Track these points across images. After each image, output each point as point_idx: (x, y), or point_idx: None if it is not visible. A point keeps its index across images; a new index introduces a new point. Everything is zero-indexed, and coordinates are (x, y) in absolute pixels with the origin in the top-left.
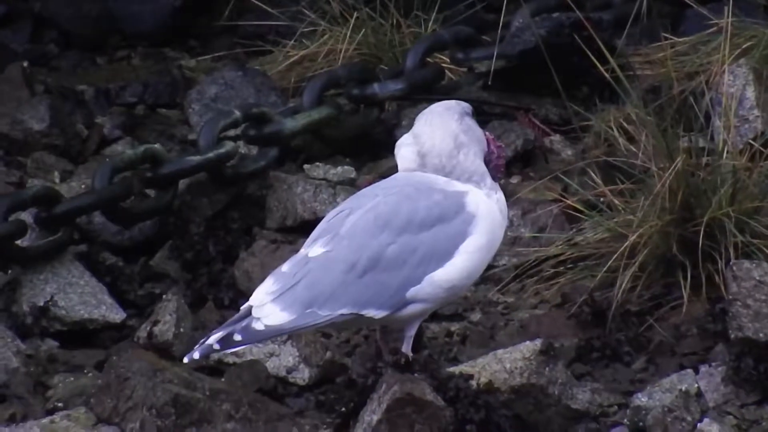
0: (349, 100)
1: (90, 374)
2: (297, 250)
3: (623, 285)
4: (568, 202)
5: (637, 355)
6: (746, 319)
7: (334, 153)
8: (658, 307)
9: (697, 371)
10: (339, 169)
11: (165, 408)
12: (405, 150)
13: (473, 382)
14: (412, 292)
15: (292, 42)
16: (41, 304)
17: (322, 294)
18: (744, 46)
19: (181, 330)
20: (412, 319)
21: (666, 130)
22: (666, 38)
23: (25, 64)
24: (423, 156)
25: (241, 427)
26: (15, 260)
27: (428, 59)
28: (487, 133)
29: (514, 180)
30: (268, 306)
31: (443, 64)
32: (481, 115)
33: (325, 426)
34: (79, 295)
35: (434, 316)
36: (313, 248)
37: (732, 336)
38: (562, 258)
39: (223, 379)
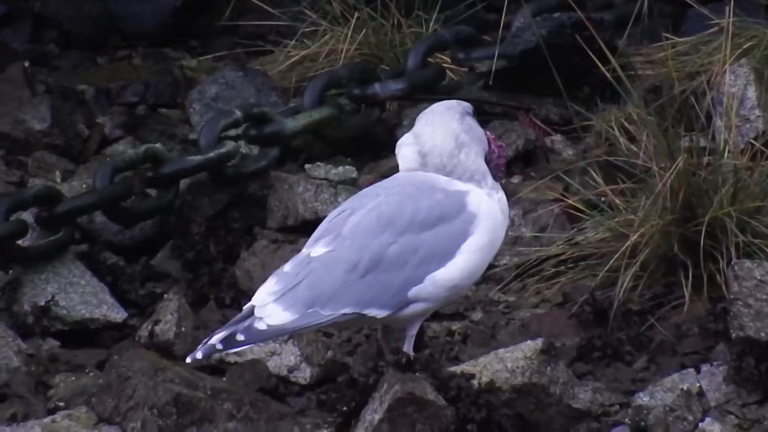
0: (350, 100)
1: (91, 374)
2: (298, 250)
3: (624, 284)
4: (569, 201)
5: (638, 355)
6: (747, 318)
7: (335, 153)
8: (659, 306)
9: (698, 371)
10: (340, 168)
11: (166, 407)
12: (406, 150)
13: (474, 382)
14: (413, 292)
15: (293, 42)
16: (42, 303)
17: (324, 294)
18: (745, 46)
19: (183, 329)
20: (414, 319)
21: (667, 129)
22: (667, 38)
23: (26, 64)
24: (424, 155)
25: (243, 427)
26: (16, 260)
27: (429, 59)
28: (488, 132)
29: (515, 180)
30: (270, 306)
31: (444, 64)
32: (482, 115)
33: (326, 425)
34: (80, 294)
35: (435, 316)
36: (316, 248)
37: (733, 335)
38: (563, 257)
39: (224, 379)
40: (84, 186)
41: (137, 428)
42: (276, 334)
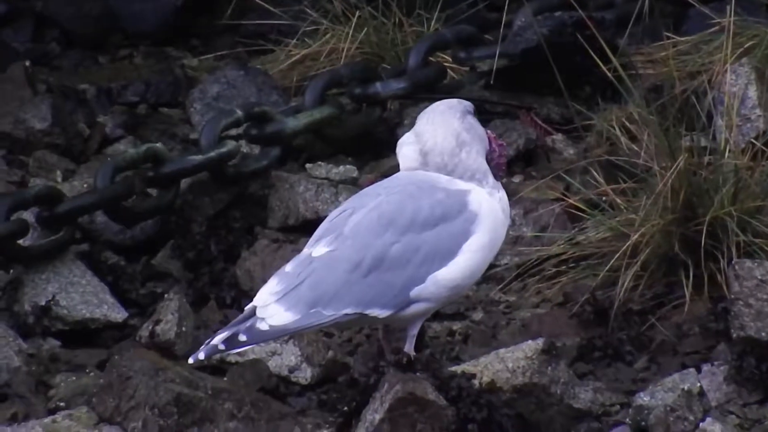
0: (351, 99)
1: (92, 374)
2: (299, 250)
3: (625, 284)
4: (570, 201)
5: (639, 355)
6: (748, 318)
7: (336, 152)
8: (660, 306)
9: (699, 370)
10: (341, 168)
11: (167, 407)
12: (407, 149)
13: (475, 382)
14: (415, 292)
15: (294, 41)
16: (43, 303)
17: (326, 294)
18: (746, 46)
19: (183, 329)
20: (415, 319)
21: (668, 129)
22: (668, 37)
23: (27, 63)
24: (425, 155)
25: (243, 427)
26: (17, 259)
27: (430, 58)
28: (489, 131)
29: (516, 179)
30: (272, 306)
31: (445, 63)
32: (483, 114)
33: (327, 425)
34: (80, 294)
35: (436, 315)
36: (317, 248)
37: (734, 335)
38: (564, 257)
39: (225, 378)
40: (85, 185)
41: (138, 428)
42: (278, 334)
